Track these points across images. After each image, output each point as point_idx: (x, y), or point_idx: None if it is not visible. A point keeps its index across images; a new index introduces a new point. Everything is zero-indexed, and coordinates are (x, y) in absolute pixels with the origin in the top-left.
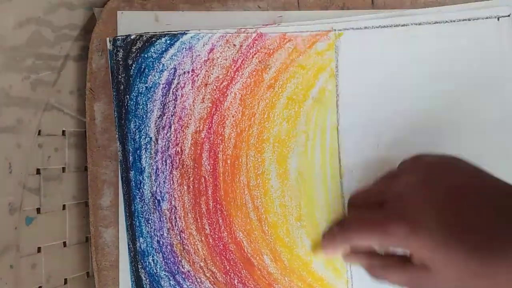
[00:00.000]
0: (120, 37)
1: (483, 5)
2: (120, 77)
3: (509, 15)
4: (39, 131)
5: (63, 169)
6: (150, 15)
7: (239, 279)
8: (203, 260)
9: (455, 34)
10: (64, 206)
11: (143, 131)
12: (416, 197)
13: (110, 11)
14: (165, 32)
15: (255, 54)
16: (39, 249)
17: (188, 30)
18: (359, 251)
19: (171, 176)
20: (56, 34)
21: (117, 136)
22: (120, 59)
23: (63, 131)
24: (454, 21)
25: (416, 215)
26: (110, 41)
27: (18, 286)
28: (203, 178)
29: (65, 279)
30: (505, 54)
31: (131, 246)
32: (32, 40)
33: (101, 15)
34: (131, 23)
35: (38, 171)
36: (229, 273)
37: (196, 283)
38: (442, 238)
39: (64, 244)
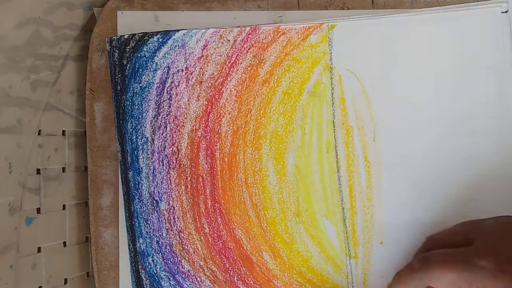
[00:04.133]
0: (115, 38)
1: (482, 4)
2: (117, 77)
3: (506, 11)
4: (39, 131)
5: (63, 169)
6: (150, 15)
7: (239, 277)
8: (202, 259)
9: (453, 27)
10: (64, 206)
11: (139, 131)
12: (509, 235)
13: (110, 11)
14: (158, 30)
15: (249, 48)
16: (39, 249)
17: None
18: None
19: (168, 176)
20: (56, 34)
21: (116, 136)
22: (116, 59)
23: (63, 131)
24: (451, 12)
25: (507, 252)
26: (107, 41)
27: (18, 286)
28: (200, 177)
29: (65, 279)
30: (501, 50)
31: (131, 246)
32: (32, 40)
33: (101, 15)
34: (131, 23)
35: (38, 171)
36: (229, 271)
37: (196, 282)
38: None
39: (64, 244)
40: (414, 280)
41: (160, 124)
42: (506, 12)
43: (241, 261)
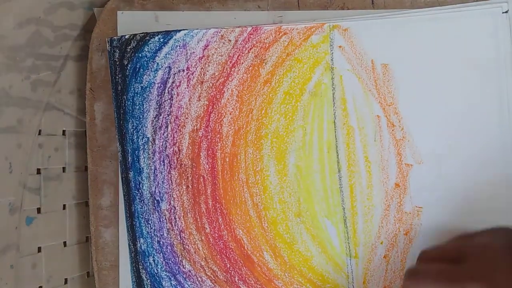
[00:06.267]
0: (116, 38)
1: (482, 4)
2: (117, 77)
3: (507, 11)
4: (39, 131)
5: (63, 169)
6: (150, 15)
7: (240, 277)
8: (203, 259)
9: (453, 27)
10: (64, 206)
11: (140, 131)
12: (500, 261)
13: (110, 11)
14: (159, 30)
15: (251, 49)
16: (39, 249)
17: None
18: None
19: (170, 176)
20: (56, 34)
21: (116, 136)
22: (116, 59)
23: (63, 131)
24: (451, 12)
25: (498, 277)
26: (108, 41)
27: (18, 286)
28: (201, 177)
29: (65, 279)
30: (501, 50)
31: (132, 246)
32: (32, 40)
33: (101, 15)
34: (131, 23)
35: (38, 171)
36: (230, 271)
37: (197, 282)
38: None
39: (64, 244)
40: None
41: (161, 124)
42: (506, 12)
43: (242, 261)
